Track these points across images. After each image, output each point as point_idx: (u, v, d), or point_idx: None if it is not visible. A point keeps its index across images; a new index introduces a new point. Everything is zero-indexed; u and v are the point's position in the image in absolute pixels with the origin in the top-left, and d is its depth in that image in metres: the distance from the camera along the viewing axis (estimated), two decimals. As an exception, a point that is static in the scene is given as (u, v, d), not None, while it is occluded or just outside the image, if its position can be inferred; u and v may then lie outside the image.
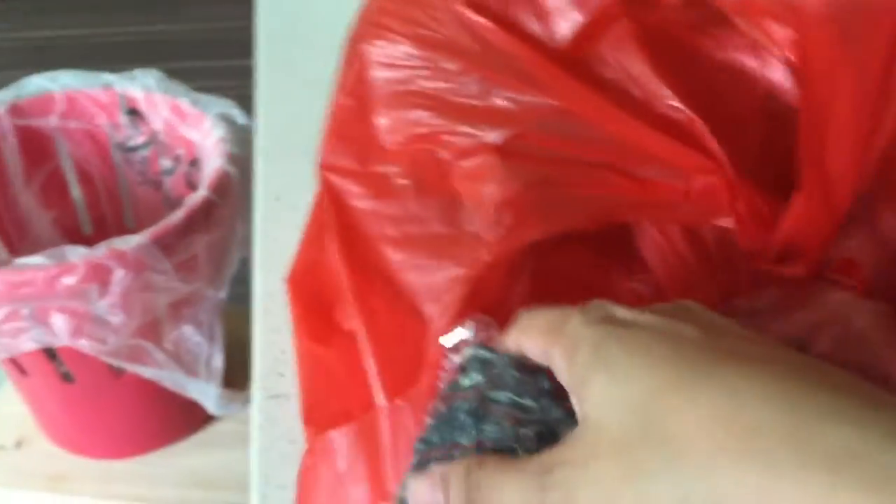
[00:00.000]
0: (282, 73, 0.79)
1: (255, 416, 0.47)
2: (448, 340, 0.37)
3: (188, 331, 0.95)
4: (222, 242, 0.98)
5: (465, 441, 0.33)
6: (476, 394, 0.34)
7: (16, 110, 1.10)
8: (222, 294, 1.00)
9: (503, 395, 0.33)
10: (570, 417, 0.31)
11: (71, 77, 1.12)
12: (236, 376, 1.14)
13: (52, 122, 1.12)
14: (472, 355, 0.36)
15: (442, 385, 0.37)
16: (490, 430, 0.32)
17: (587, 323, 0.30)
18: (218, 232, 0.96)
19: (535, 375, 0.34)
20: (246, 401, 1.00)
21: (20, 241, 1.15)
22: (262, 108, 0.74)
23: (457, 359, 0.36)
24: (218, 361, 0.96)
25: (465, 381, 0.35)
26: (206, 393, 0.94)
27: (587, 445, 0.28)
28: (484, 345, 0.36)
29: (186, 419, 1.12)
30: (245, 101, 1.24)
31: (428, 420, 0.35)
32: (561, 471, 0.28)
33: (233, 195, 0.98)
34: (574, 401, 0.30)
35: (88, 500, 1.07)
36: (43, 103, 1.11)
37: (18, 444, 1.14)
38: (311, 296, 0.45)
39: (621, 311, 0.30)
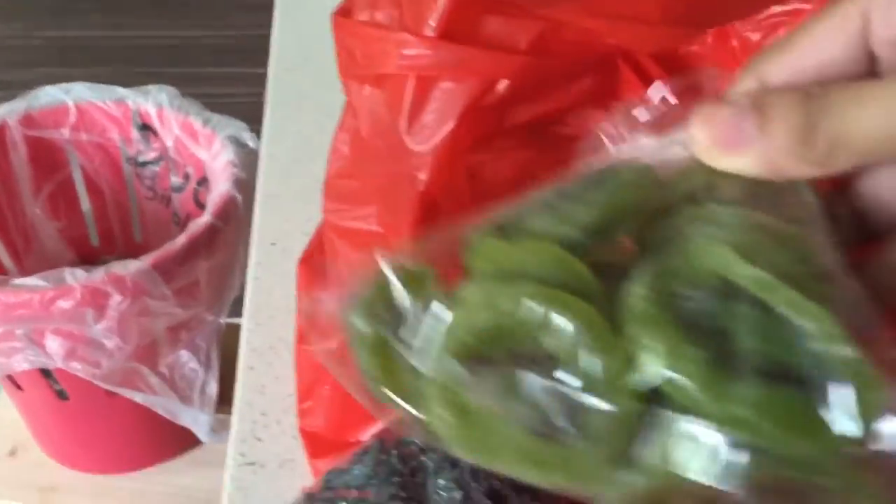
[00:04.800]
0: (290, 113, 0.78)
1: (227, 484, 0.46)
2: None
3: (184, 356, 0.95)
4: (224, 267, 0.97)
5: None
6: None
7: (28, 121, 1.09)
8: (222, 319, 0.99)
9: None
10: None
11: (84, 89, 1.11)
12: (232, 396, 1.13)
13: (63, 133, 1.12)
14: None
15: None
16: None
17: None
18: (220, 257, 0.95)
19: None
20: (239, 428, 0.99)
21: (26, 252, 1.15)
22: (266, 148, 0.73)
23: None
24: (212, 388, 0.95)
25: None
26: (197, 421, 0.94)
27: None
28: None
29: (182, 437, 1.11)
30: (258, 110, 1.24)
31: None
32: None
33: (237, 220, 0.97)
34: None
35: (78, 516, 1.07)
36: (55, 115, 1.11)
37: (12, 452, 1.14)
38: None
39: None
